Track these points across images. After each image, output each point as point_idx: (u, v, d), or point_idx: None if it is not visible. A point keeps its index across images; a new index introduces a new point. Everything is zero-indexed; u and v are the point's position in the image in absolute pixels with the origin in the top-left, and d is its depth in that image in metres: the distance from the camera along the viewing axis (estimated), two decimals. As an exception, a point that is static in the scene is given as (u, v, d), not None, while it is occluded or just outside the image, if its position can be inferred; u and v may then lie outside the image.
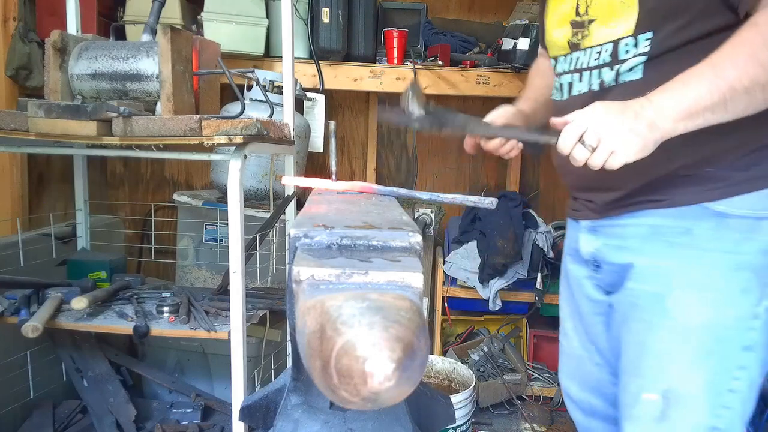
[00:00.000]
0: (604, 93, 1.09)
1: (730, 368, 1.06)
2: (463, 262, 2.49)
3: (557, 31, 1.18)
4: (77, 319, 1.65)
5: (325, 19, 2.36)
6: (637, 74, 1.05)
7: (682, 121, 0.91)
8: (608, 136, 0.91)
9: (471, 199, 0.91)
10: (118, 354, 2.12)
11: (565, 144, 0.96)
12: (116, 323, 1.65)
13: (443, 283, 2.49)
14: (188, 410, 2.03)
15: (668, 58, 1.01)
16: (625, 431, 1.13)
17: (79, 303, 1.61)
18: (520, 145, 1.23)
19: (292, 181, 1.07)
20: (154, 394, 2.19)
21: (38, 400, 1.97)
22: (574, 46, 1.15)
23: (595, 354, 1.30)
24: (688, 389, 1.07)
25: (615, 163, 0.93)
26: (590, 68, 1.12)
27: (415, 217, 2.75)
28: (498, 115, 1.27)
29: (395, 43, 2.47)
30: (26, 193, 2.35)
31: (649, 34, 1.02)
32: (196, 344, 2.10)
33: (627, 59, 1.05)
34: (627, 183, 1.10)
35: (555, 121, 1.00)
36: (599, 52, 1.09)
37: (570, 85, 1.17)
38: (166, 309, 1.70)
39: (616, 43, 1.06)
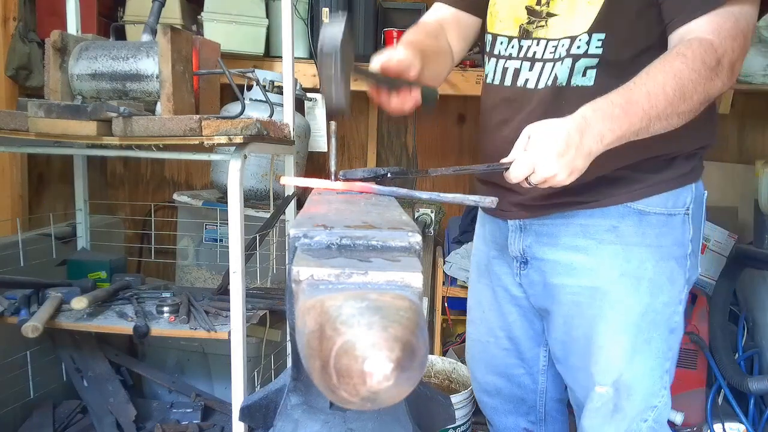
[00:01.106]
0: (556, 92, 1.11)
1: (664, 351, 1.17)
2: (463, 262, 2.48)
3: (506, 9, 1.19)
4: (77, 319, 1.65)
5: (325, 19, 2.36)
6: (589, 81, 1.09)
7: (613, 145, 0.98)
8: (552, 178, 0.97)
9: (471, 198, 0.92)
10: (118, 354, 2.12)
11: (512, 180, 1.00)
12: (116, 323, 1.65)
13: (443, 283, 2.49)
14: (188, 410, 2.03)
15: (620, 68, 1.06)
16: (583, 425, 1.21)
17: (79, 303, 1.61)
18: (417, 97, 1.08)
19: (290, 181, 1.07)
20: (154, 394, 2.19)
21: (38, 400, 1.97)
22: (525, 33, 1.16)
23: (504, 340, 1.38)
24: (634, 376, 1.16)
25: (555, 189, 1.01)
26: (544, 60, 1.13)
27: (415, 217, 2.75)
28: (389, 59, 1.03)
29: (395, 43, 2.47)
30: (26, 193, 2.36)
31: (602, 35, 1.07)
32: (196, 344, 2.10)
33: (579, 56, 1.08)
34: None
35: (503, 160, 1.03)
36: (555, 47, 1.12)
37: (516, 71, 1.17)
38: (166, 309, 1.70)
39: (572, 39, 1.09)
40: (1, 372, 1.82)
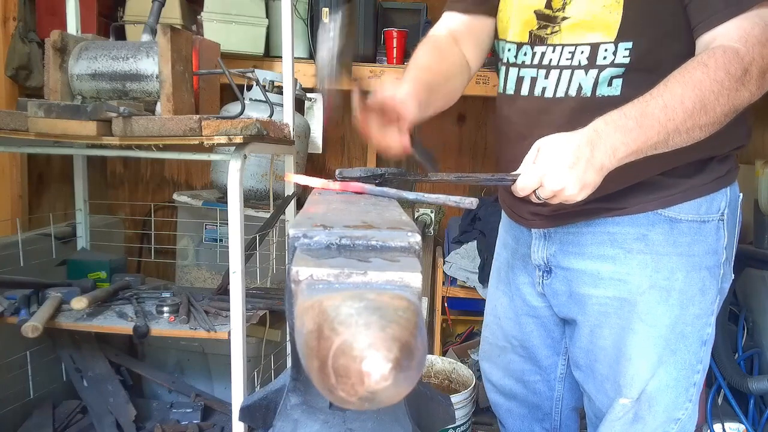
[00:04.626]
0: (581, 103, 1.07)
1: (692, 363, 1.13)
2: (463, 262, 2.48)
3: (516, 15, 1.14)
4: (77, 319, 1.65)
5: (325, 19, 2.36)
6: (616, 90, 1.05)
7: (628, 159, 0.94)
8: (561, 193, 0.93)
9: (453, 200, 0.92)
10: (118, 354, 2.12)
11: (519, 194, 0.97)
12: (116, 323, 1.65)
13: (443, 283, 2.49)
14: (188, 410, 2.03)
15: (647, 74, 1.01)
16: None
17: (79, 303, 1.61)
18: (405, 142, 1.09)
19: (297, 179, 1.05)
20: (154, 394, 2.19)
21: (38, 400, 1.97)
22: (538, 40, 1.11)
23: (520, 348, 1.35)
24: (658, 387, 1.12)
25: (567, 205, 0.97)
26: (561, 67, 1.09)
27: (415, 217, 2.75)
28: (394, 98, 1.04)
29: (395, 43, 2.47)
30: (26, 193, 2.35)
31: (629, 44, 1.03)
32: (196, 344, 2.10)
33: (605, 66, 1.04)
34: None
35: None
36: (572, 53, 1.07)
37: (533, 80, 1.12)
38: (166, 309, 1.70)
39: (594, 46, 1.05)
40: (1, 372, 1.82)
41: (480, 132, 2.99)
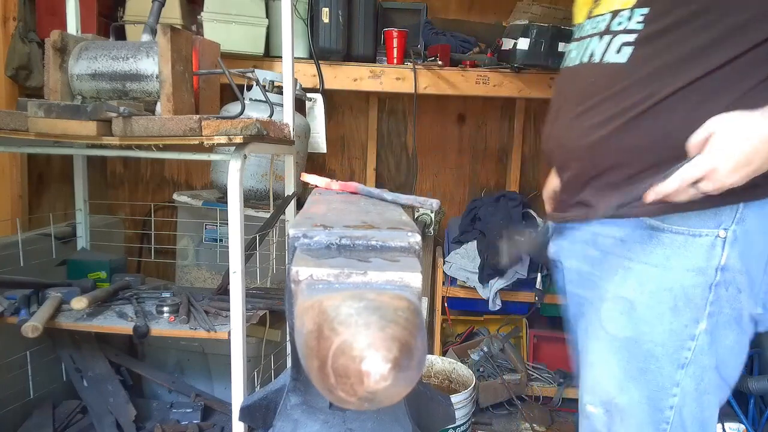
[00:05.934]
0: (588, 70, 1.07)
1: (666, 386, 1.04)
2: (463, 262, 2.48)
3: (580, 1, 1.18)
4: (77, 319, 1.65)
5: (325, 19, 2.36)
6: (622, 58, 1.01)
7: None
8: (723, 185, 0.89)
9: (419, 200, 0.95)
10: (118, 354, 2.12)
11: (670, 187, 0.92)
12: (116, 323, 1.65)
13: (443, 283, 2.49)
14: (188, 410, 2.03)
15: (656, 43, 0.99)
16: None
17: (79, 303, 1.61)
18: None
19: (311, 179, 1.05)
20: (154, 394, 2.19)
21: (38, 400, 1.97)
22: (588, 15, 1.14)
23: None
24: (628, 402, 1.06)
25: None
26: (584, 37, 1.11)
27: (415, 217, 2.75)
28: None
29: (395, 43, 2.47)
30: (26, 193, 2.35)
31: (645, 10, 1.00)
32: (196, 344, 2.10)
33: (618, 32, 1.03)
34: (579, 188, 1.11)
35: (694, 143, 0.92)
36: (598, 22, 1.08)
37: (568, 53, 1.16)
38: (166, 309, 1.70)
39: (615, 13, 1.05)
40: (1, 372, 1.82)
41: (480, 132, 2.99)
